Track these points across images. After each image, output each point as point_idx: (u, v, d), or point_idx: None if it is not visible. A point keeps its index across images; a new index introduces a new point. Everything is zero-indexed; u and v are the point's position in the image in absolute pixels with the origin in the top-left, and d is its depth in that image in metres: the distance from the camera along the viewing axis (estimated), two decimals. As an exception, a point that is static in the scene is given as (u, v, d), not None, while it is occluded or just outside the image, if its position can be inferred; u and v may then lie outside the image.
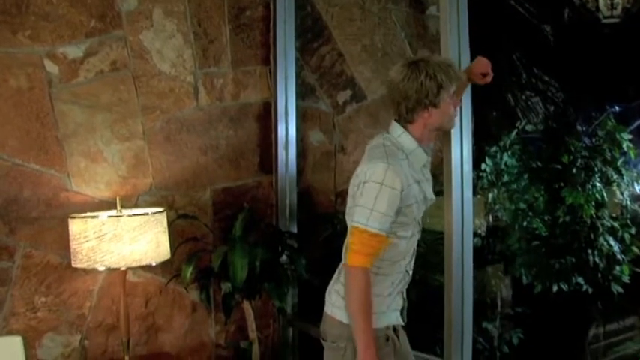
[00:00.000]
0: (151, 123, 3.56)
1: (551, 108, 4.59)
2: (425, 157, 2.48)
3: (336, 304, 2.48)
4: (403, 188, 2.32)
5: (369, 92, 4.22)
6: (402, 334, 2.60)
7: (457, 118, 2.71)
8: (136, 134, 3.52)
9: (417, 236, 2.54)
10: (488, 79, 2.77)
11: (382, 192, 2.30)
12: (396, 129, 2.46)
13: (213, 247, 3.60)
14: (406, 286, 2.59)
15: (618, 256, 4.18)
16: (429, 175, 2.54)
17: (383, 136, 2.48)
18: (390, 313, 2.51)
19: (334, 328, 2.48)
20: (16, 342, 2.89)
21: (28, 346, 3.10)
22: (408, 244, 2.48)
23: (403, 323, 2.57)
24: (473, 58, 2.89)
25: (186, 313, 3.67)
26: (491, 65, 2.76)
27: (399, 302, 2.55)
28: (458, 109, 2.56)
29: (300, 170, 3.96)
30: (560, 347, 4.17)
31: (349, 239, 2.38)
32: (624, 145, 4.29)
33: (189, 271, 3.39)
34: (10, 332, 3.15)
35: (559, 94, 4.57)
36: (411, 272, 2.57)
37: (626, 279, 4.18)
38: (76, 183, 3.36)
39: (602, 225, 4.19)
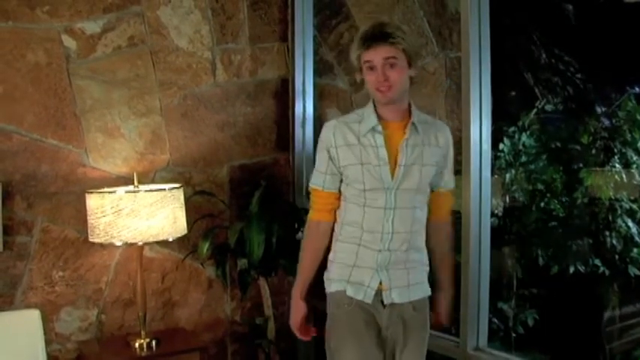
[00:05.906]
0: (168, 99, 3.55)
1: (571, 88, 4.55)
2: (373, 122, 2.37)
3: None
4: (330, 145, 2.42)
5: (387, 70, 4.18)
6: (389, 315, 2.43)
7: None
8: (153, 110, 3.51)
9: (386, 212, 2.37)
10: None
11: (318, 148, 2.50)
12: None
13: (230, 224, 3.61)
14: (391, 266, 2.41)
15: (636, 239, 4.14)
16: (381, 142, 2.36)
17: None
18: (350, 285, 2.43)
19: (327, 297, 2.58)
20: (34, 315, 2.92)
21: (46, 320, 3.14)
22: (365, 213, 2.38)
23: (369, 302, 2.40)
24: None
25: (203, 289, 3.69)
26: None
27: (370, 280, 2.40)
28: (380, 86, 2.32)
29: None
30: (576, 329, 4.16)
31: None
32: (645, 127, 4.25)
33: (205, 247, 3.41)
34: (28, 306, 3.18)
35: (579, 74, 4.52)
36: (396, 254, 2.40)
37: (643, 261, 4.16)
38: (94, 158, 3.37)
39: (621, 207, 4.15)
